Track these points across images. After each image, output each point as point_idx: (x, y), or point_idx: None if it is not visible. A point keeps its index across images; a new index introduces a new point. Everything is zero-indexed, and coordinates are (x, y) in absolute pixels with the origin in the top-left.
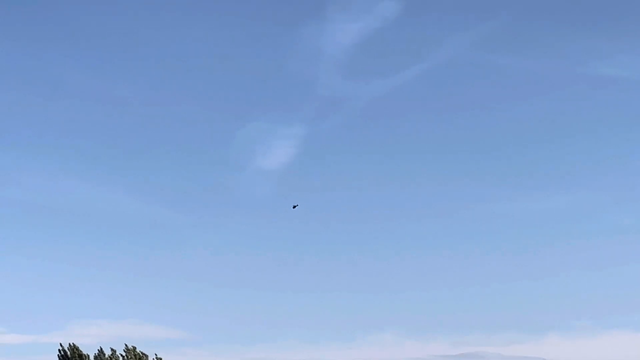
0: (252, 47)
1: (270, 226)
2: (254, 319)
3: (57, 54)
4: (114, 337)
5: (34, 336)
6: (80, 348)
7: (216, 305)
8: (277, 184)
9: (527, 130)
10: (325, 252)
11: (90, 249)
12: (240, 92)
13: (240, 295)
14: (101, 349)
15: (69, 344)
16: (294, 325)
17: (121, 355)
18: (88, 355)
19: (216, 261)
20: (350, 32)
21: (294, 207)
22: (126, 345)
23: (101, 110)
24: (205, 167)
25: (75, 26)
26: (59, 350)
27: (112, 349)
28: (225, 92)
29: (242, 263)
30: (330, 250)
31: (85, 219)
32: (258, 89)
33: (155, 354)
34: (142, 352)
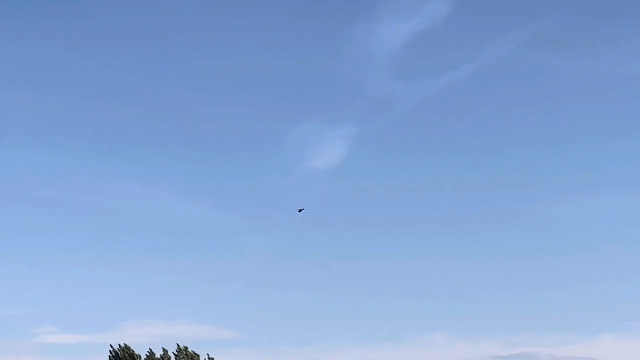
0: (303, 48)
1: (321, 227)
2: (305, 320)
3: (113, 57)
4: (165, 338)
5: (86, 336)
6: (132, 348)
7: (267, 306)
8: (328, 184)
9: (579, 130)
10: (376, 254)
11: (142, 250)
12: (291, 93)
13: (291, 297)
14: (151, 350)
15: (119, 345)
16: (345, 327)
17: (173, 354)
18: (140, 356)
19: (266, 262)
20: (400, 33)
21: (300, 210)
22: (178, 345)
23: (154, 113)
24: (255, 168)
25: (131, 30)
26: (110, 350)
27: (163, 349)
28: (275, 93)
29: (292, 264)
30: (381, 251)
31: (137, 220)
32: (308, 90)
33: (207, 354)
34: (193, 352)
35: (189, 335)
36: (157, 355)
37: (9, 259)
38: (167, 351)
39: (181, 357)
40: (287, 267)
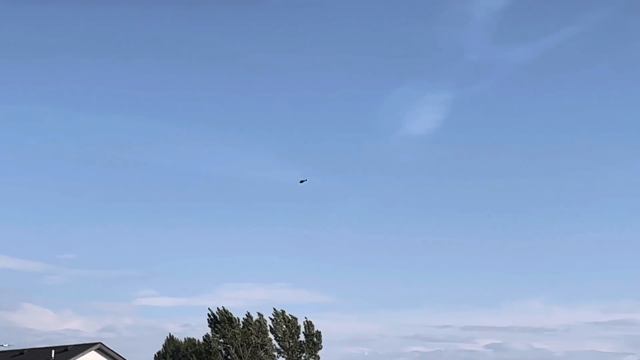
0: (400, 12)
1: (418, 192)
2: (401, 284)
3: (210, 21)
4: (261, 301)
5: (184, 299)
6: (229, 311)
7: (363, 270)
8: (426, 149)
9: None
10: (472, 219)
11: (238, 215)
12: (388, 56)
13: (387, 261)
14: (248, 313)
15: (217, 308)
16: (441, 292)
17: (270, 318)
18: (237, 319)
19: (363, 227)
20: None
21: (302, 181)
22: (275, 309)
23: (250, 77)
24: (353, 132)
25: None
26: (209, 314)
27: (259, 314)
28: (372, 58)
29: (388, 229)
30: (477, 217)
31: (235, 185)
32: (406, 53)
33: (305, 317)
34: (291, 316)
35: (284, 299)
36: (254, 319)
37: (107, 221)
38: (262, 315)
39: (278, 320)
40: (384, 231)
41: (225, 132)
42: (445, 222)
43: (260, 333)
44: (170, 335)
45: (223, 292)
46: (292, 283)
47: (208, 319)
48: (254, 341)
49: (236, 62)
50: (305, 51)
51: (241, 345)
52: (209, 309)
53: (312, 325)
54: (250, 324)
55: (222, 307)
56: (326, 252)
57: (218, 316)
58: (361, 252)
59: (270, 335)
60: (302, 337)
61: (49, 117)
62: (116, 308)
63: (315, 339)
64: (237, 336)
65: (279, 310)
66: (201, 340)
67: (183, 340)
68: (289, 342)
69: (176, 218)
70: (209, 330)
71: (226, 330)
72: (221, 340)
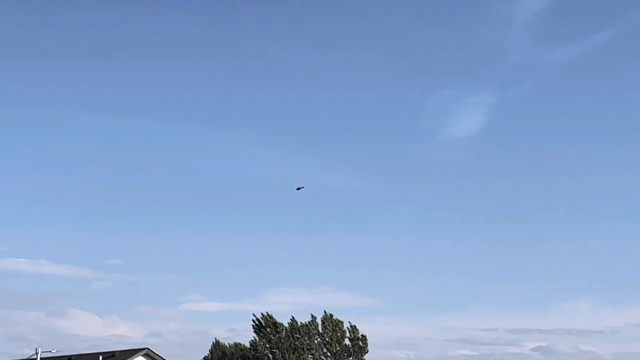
0: (442, 14)
1: (461, 194)
2: (445, 287)
3: (252, 27)
4: (306, 305)
5: (230, 304)
6: (274, 316)
7: (407, 274)
8: (469, 151)
9: None
10: (517, 220)
11: (282, 219)
12: (430, 60)
13: (431, 264)
14: (293, 317)
15: (262, 313)
16: (487, 294)
17: (321, 320)
18: (282, 323)
19: (406, 230)
20: None
21: (298, 189)
22: (325, 312)
23: (289, 80)
24: (396, 136)
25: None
26: (253, 320)
27: (312, 315)
28: (415, 60)
29: (431, 232)
30: (522, 218)
31: (276, 189)
32: (448, 56)
33: (349, 322)
34: (338, 319)
35: (329, 303)
36: (304, 322)
37: (153, 227)
38: (315, 318)
39: (327, 324)
40: (428, 234)
41: (270, 137)
42: (489, 224)
43: (307, 337)
44: (216, 340)
45: (268, 297)
46: (336, 287)
47: (253, 324)
48: (299, 345)
49: (278, 66)
50: (348, 53)
51: (287, 350)
52: (253, 314)
53: (357, 330)
54: (296, 328)
55: (267, 312)
56: (370, 255)
57: (263, 321)
58: (405, 255)
59: (318, 339)
60: (346, 341)
61: (92, 121)
62: (162, 313)
63: (360, 343)
64: (282, 340)
65: (328, 313)
66: (247, 345)
67: (229, 345)
68: (335, 346)
69: (222, 224)
70: (254, 335)
71: (271, 335)
72: (267, 345)
